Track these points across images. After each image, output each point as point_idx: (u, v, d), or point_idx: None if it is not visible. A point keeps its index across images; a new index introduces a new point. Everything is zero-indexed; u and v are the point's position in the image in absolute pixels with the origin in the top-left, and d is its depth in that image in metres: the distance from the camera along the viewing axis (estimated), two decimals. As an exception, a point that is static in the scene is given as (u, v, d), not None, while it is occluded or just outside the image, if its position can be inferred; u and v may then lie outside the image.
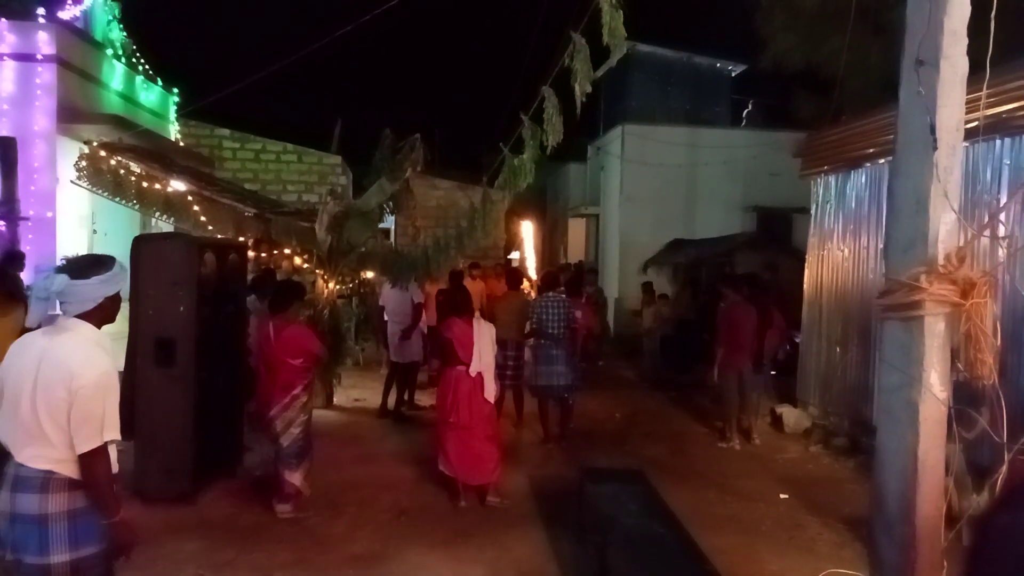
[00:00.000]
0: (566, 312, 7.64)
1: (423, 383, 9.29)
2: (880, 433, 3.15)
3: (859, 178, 7.91)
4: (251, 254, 8.52)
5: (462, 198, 15.33)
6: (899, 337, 2.97)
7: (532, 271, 15.01)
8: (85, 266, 2.70)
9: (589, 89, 5.59)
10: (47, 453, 2.55)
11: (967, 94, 2.95)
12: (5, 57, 8.82)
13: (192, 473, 5.49)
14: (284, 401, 5.32)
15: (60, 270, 2.66)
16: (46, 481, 2.54)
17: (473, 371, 5.71)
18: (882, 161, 7.24)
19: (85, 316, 2.64)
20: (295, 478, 5.37)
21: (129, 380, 5.51)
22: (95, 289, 2.64)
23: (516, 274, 9.30)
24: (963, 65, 2.88)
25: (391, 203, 9.33)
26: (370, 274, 9.53)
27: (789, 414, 8.40)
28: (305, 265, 9.25)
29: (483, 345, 5.75)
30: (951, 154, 2.85)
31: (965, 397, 3.10)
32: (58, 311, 2.66)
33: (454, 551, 4.86)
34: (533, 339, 7.87)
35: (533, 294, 9.11)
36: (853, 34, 10.16)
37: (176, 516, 5.15)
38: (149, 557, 4.35)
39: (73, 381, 2.51)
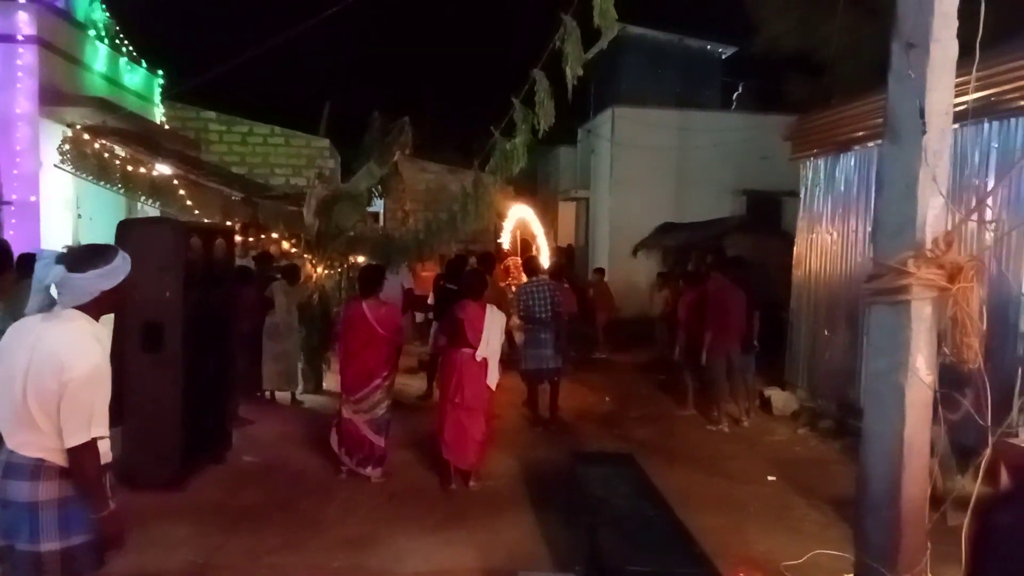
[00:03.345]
0: (551, 296, 7.66)
1: (414, 367, 9.29)
2: (866, 417, 3.17)
3: (848, 161, 7.92)
4: (239, 238, 8.47)
5: (452, 182, 15.28)
6: (886, 321, 2.98)
7: (546, 257, 14.74)
8: (84, 259, 2.63)
9: (580, 72, 5.55)
10: (38, 441, 2.52)
11: (956, 77, 2.94)
12: (-15, 38, 8.65)
13: (181, 458, 5.48)
14: (384, 374, 5.85)
15: (59, 260, 2.61)
16: (37, 469, 2.52)
17: (479, 356, 5.78)
18: (872, 144, 7.24)
19: (82, 308, 2.60)
20: (384, 441, 5.89)
21: (117, 366, 5.46)
22: (90, 283, 2.58)
23: (489, 257, 9.33)
24: (953, 48, 2.86)
25: (380, 186, 9.28)
26: (360, 258, 9.49)
27: (777, 396, 8.47)
28: (293, 249, 9.20)
29: (492, 332, 5.84)
30: (940, 138, 2.85)
31: (950, 380, 3.12)
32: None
33: (445, 535, 4.88)
34: (522, 324, 7.89)
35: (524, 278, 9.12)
36: (845, 17, 10.14)
37: (166, 502, 5.13)
38: (139, 543, 4.33)
39: (64, 373, 2.47)
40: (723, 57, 18.66)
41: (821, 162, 8.45)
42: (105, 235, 5.21)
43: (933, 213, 2.84)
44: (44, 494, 2.52)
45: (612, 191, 16.43)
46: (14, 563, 2.56)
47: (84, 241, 7.06)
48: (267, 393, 8.26)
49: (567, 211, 21.09)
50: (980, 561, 1.43)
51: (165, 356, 5.39)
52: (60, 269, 2.55)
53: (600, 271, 13.76)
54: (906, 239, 2.89)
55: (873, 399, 3.10)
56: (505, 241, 15.47)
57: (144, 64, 12.24)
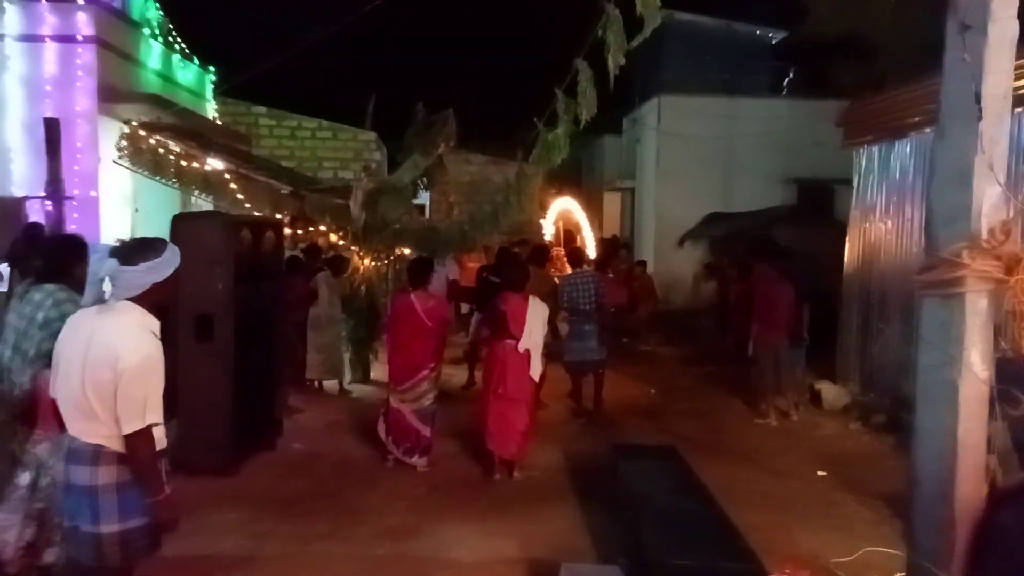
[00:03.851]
0: (595, 288, 7.61)
1: (458, 358, 9.35)
2: (918, 413, 3.07)
3: (904, 148, 7.66)
4: (288, 231, 8.64)
5: (496, 173, 15.29)
6: (939, 315, 2.87)
7: (592, 249, 14.63)
8: (135, 252, 2.74)
9: (623, 61, 5.49)
10: (96, 428, 2.63)
11: (1017, 59, 2.80)
12: (46, 39, 8.98)
13: (233, 446, 5.63)
14: (431, 365, 5.92)
15: (112, 253, 2.72)
16: (96, 454, 2.64)
17: (522, 347, 5.82)
18: (928, 130, 6.97)
19: (134, 299, 2.69)
20: (430, 431, 5.94)
21: (170, 356, 5.65)
22: (141, 276, 2.68)
23: (542, 251, 9.28)
24: (1013, 28, 2.73)
25: (424, 179, 9.35)
26: (406, 250, 9.59)
27: (828, 390, 8.27)
28: (341, 242, 9.35)
29: (534, 323, 5.87)
30: (997, 123, 2.72)
31: (1009, 375, 3.00)
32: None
33: (487, 525, 4.91)
34: (567, 315, 7.88)
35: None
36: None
37: (217, 488, 5.28)
38: (191, 528, 4.46)
39: (118, 363, 2.57)
40: (772, 42, 18.18)
41: (875, 149, 8.19)
42: (160, 229, 5.38)
43: (989, 202, 2.72)
44: (103, 478, 2.64)
45: (658, 181, 16.21)
46: (77, 543, 2.70)
47: (140, 235, 7.30)
48: (315, 382, 8.43)
49: (612, 202, 20.90)
50: (980, 559, 1.38)
51: (216, 347, 5.54)
52: (113, 262, 2.66)
53: (643, 263, 13.62)
54: (960, 229, 2.77)
55: (924, 395, 2.99)
56: (548, 232, 15.44)
57: (196, 61, 12.55)
